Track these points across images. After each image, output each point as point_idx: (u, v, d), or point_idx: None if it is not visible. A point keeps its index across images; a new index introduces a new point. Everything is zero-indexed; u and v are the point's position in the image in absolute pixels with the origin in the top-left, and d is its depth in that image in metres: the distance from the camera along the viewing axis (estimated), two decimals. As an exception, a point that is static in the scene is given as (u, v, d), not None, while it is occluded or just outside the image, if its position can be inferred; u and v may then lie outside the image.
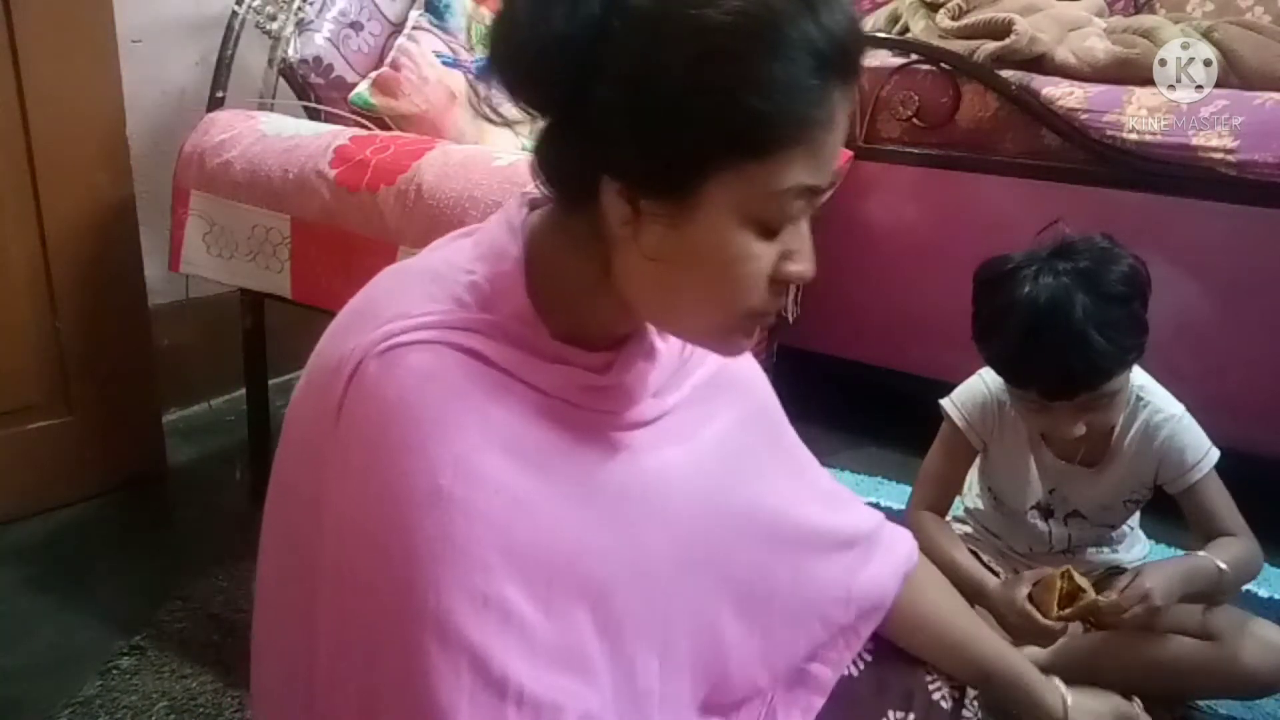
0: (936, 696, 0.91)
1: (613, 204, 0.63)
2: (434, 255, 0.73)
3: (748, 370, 0.87)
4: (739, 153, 0.60)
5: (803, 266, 0.66)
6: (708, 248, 0.62)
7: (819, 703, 0.86)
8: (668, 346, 0.78)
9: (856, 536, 0.92)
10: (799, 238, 0.65)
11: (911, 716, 0.87)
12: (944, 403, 1.43)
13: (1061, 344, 1.15)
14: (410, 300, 0.67)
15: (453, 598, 0.61)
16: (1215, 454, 1.29)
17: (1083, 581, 1.23)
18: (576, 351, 0.69)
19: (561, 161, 0.67)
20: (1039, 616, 1.21)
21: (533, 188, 0.73)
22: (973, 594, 1.32)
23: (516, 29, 0.62)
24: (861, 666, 0.90)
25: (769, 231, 0.63)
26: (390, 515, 0.62)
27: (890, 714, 0.87)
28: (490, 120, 0.69)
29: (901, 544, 0.96)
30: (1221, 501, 1.29)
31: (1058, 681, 0.98)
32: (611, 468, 0.72)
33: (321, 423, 0.65)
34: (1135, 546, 1.45)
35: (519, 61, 0.63)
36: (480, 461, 0.63)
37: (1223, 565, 1.22)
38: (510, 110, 0.65)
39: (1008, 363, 1.25)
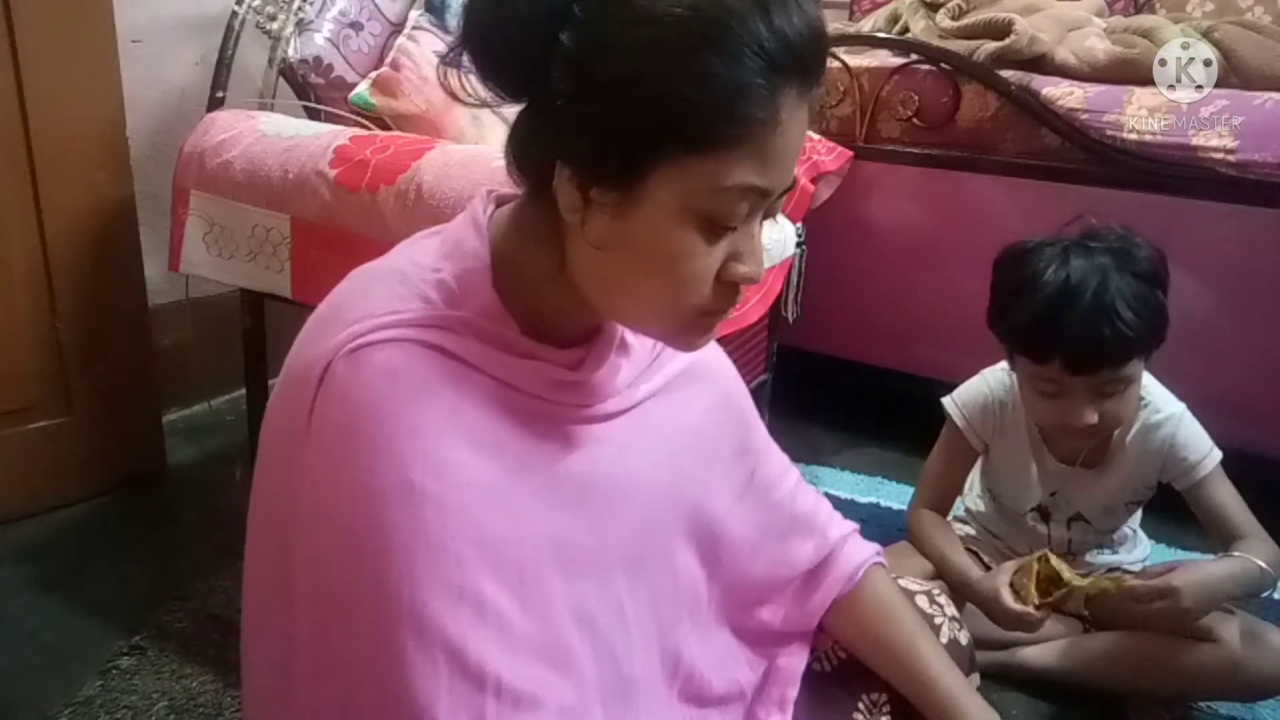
0: None
1: (565, 191, 0.63)
2: (399, 256, 0.73)
3: (714, 360, 0.88)
4: (680, 146, 0.60)
5: (750, 268, 0.65)
6: (649, 240, 0.62)
7: (793, 694, 0.87)
8: (640, 340, 0.78)
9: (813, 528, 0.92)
10: (748, 239, 0.65)
11: (884, 696, 0.87)
12: (945, 401, 1.43)
13: (1093, 311, 1.15)
14: (376, 301, 0.67)
15: (427, 591, 0.61)
16: (1218, 453, 1.29)
17: (1060, 565, 1.22)
18: (547, 348, 0.70)
19: (525, 147, 0.67)
20: (1013, 603, 1.21)
21: (500, 184, 0.73)
22: (958, 587, 1.32)
23: (482, 8, 0.63)
24: (833, 664, 0.91)
25: (714, 229, 0.63)
26: (362, 512, 0.62)
27: (864, 697, 0.87)
28: (460, 100, 0.69)
29: (867, 547, 0.95)
30: (1232, 500, 1.28)
31: None
32: (580, 461, 0.72)
33: (295, 428, 0.65)
34: (1137, 548, 1.45)
35: (484, 41, 0.63)
36: (450, 456, 0.63)
37: (1264, 565, 1.19)
38: (483, 91, 0.66)
39: (1033, 331, 1.21)
